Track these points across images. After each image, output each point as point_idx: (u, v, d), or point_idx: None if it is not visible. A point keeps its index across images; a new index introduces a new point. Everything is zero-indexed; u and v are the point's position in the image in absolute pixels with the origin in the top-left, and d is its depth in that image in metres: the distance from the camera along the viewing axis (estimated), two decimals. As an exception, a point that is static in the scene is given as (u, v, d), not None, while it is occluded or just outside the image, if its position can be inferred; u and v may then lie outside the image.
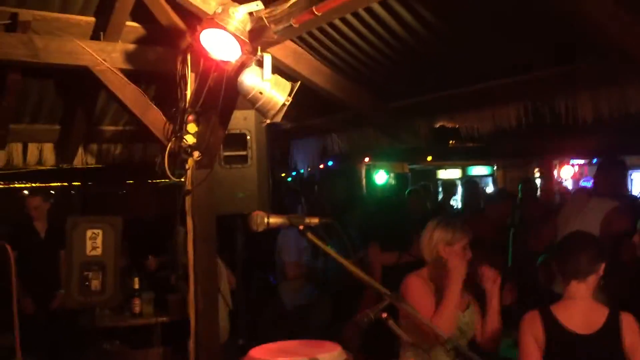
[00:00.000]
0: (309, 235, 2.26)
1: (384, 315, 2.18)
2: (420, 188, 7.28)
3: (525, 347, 2.56)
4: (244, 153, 4.52)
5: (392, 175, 11.48)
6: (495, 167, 15.67)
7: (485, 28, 3.68)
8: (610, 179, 4.55)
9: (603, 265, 2.63)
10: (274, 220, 2.27)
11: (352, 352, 2.58)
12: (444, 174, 15.41)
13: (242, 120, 4.48)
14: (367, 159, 10.71)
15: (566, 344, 2.48)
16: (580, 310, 2.53)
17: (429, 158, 11.39)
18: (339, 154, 6.40)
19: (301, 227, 2.26)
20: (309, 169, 9.22)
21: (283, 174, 11.32)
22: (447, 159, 12.94)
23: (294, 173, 11.16)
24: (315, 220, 2.30)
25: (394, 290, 3.68)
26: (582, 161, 14.78)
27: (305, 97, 4.66)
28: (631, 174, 14.52)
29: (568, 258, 2.62)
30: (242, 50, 3.38)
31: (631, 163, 14.66)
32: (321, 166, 9.74)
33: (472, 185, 8.77)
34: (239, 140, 4.49)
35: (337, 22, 3.92)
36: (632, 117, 3.60)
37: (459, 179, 15.79)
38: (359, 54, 4.31)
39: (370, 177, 11.26)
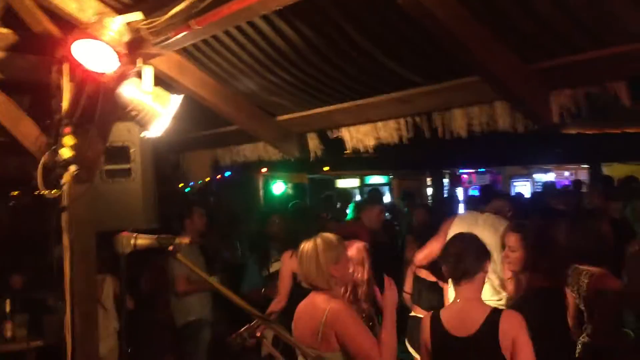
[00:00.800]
0: (179, 256, 2.21)
1: (259, 334, 2.17)
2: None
3: (420, 350, 2.59)
4: (127, 166, 4.35)
5: (289, 185, 11.55)
6: (391, 177, 16.20)
7: (366, 46, 3.79)
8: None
9: (489, 263, 2.70)
10: (142, 241, 2.21)
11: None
12: (342, 183, 15.71)
13: (125, 133, 4.32)
14: (264, 170, 10.71)
15: (446, 346, 2.50)
16: (462, 311, 2.55)
17: (326, 168, 11.58)
18: (237, 165, 6.33)
19: (170, 248, 2.22)
20: (206, 180, 9.09)
21: (181, 185, 11.06)
22: (344, 168, 13.21)
23: (192, 184, 10.93)
24: (185, 240, 2.26)
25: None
26: (471, 170, 15.66)
27: (195, 109, 4.60)
28: (513, 182, 15.60)
29: (455, 260, 2.64)
30: (119, 61, 3.28)
31: (513, 172, 15.84)
32: (218, 177, 9.63)
33: (375, 194, 8.96)
34: (121, 153, 4.32)
35: (221, 34, 3.89)
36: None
37: (357, 187, 16.16)
38: (243, 67, 4.31)
39: (268, 188, 11.27)
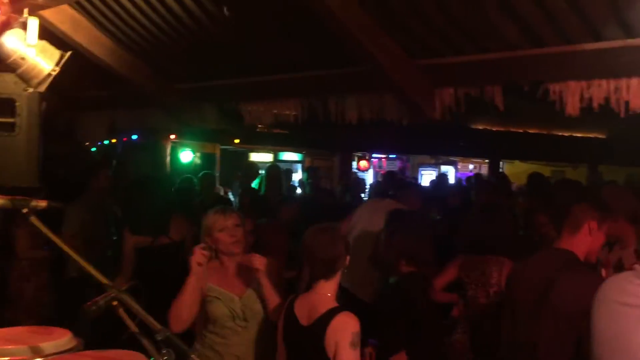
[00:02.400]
0: (33, 219, 2.15)
1: (115, 303, 2.13)
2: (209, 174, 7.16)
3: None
4: (11, 120, 4.15)
5: (198, 154, 11.37)
6: (305, 154, 16.31)
7: (266, 26, 3.82)
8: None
9: (347, 258, 2.69)
10: (-3, 201, 2.11)
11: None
12: (255, 157, 15.65)
13: (11, 85, 4.11)
14: (173, 136, 10.47)
15: (292, 332, 2.53)
16: (312, 301, 2.54)
17: (237, 140, 11.50)
18: (144, 129, 6.15)
19: (25, 211, 2.14)
20: (112, 142, 8.80)
21: (87, 144, 10.64)
22: (258, 143, 13.18)
23: (99, 144, 10.54)
24: (42, 204, 2.19)
25: (151, 272, 3.64)
26: (382, 155, 16.06)
27: (92, 69, 4.45)
28: (421, 170, 16.17)
29: (316, 251, 2.52)
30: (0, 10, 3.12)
31: (422, 161, 16.43)
32: (124, 139, 9.35)
33: (274, 170, 8.93)
34: (5, 106, 4.12)
35: (117, -5, 3.80)
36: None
37: (269, 162, 16.16)
38: (141, 30, 4.22)
39: (176, 155, 11.03)
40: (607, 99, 3.24)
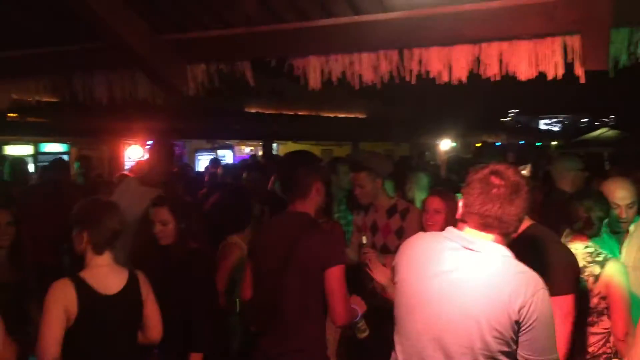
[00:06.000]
0: None
1: None
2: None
3: (53, 317, 2.41)
4: None
5: None
6: (71, 144, 15.10)
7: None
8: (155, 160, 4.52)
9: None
10: None
11: None
12: (12, 150, 14.08)
13: None
14: None
15: (97, 306, 2.53)
16: (108, 274, 2.62)
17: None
18: None
19: None
20: None
21: None
22: (11, 133, 11.82)
23: None
24: None
25: None
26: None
27: None
28: (198, 155, 16.04)
29: (99, 226, 2.59)
30: None
31: (198, 146, 16.31)
32: None
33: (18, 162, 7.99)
34: None
35: None
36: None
37: (31, 155, 14.68)
38: None
39: None
40: (344, 73, 3.51)
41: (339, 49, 3.44)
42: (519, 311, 1.69)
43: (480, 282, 1.76)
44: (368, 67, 3.41)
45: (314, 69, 3.53)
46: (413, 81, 3.32)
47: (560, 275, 2.27)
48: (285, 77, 3.80)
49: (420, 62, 3.26)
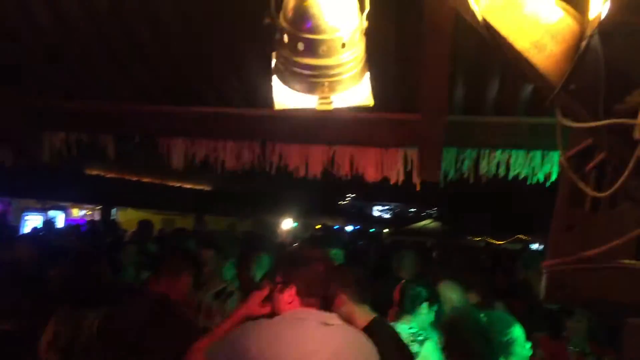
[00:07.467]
0: None
1: None
2: None
3: None
4: None
5: None
6: None
7: None
8: None
9: None
10: None
11: None
12: None
13: None
14: None
15: None
16: None
17: None
18: None
19: None
20: None
21: None
22: None
23: None
24: None
25: None
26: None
27: None
28: (25, 216, 14.77)
29: None
30: None
31: (26, 205, 15.03)
32: None
33: None
34: None
35: None
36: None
37: None
38: None
39: None
40: (207, 157, 3.66)
41: (205, 134, 3.60)
42: None
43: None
44: (231, 154, 3.60)
45: (179, 150, 3.64)
46: (273, 172, 3.56)
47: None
48: (148, 152, 3.83)
49: (280, 156, 3.53)
